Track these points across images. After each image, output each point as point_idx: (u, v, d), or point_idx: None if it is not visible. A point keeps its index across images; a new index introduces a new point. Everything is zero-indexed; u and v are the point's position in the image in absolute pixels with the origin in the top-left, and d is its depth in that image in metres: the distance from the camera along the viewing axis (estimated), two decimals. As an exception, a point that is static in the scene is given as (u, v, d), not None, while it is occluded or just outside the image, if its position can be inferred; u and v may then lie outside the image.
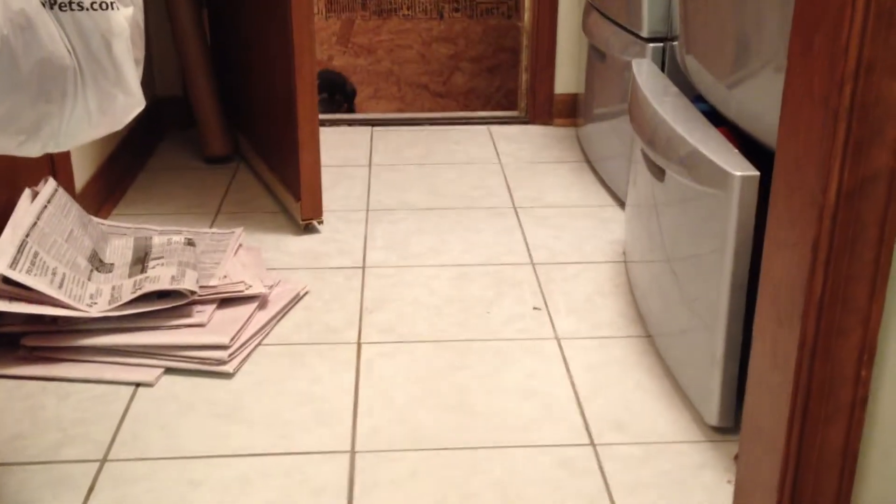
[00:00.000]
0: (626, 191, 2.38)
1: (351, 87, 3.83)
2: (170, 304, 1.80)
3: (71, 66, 1.21)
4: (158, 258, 1.97)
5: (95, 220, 2.20)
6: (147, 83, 3.09)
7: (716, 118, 1.74)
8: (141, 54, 1.34)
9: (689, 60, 1.92)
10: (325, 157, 2.87)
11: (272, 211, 2.49)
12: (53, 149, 1.27)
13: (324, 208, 2.42)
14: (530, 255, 2.22)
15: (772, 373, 1.18)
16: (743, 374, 1.46)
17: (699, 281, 1.58)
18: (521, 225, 2.40)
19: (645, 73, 2.01)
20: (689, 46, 1.92)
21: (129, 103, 1.31)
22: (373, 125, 3.21)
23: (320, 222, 2.37)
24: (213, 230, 2.23)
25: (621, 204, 2.50)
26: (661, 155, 1.72)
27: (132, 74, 1.29)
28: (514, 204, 2.54)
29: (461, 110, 4.47)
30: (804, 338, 1.10)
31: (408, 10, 4.48)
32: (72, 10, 1.21)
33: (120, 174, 2.61)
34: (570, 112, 3.15)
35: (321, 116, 3.28)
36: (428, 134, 3.13)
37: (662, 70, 2.26)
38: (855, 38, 0.99)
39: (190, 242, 2.06)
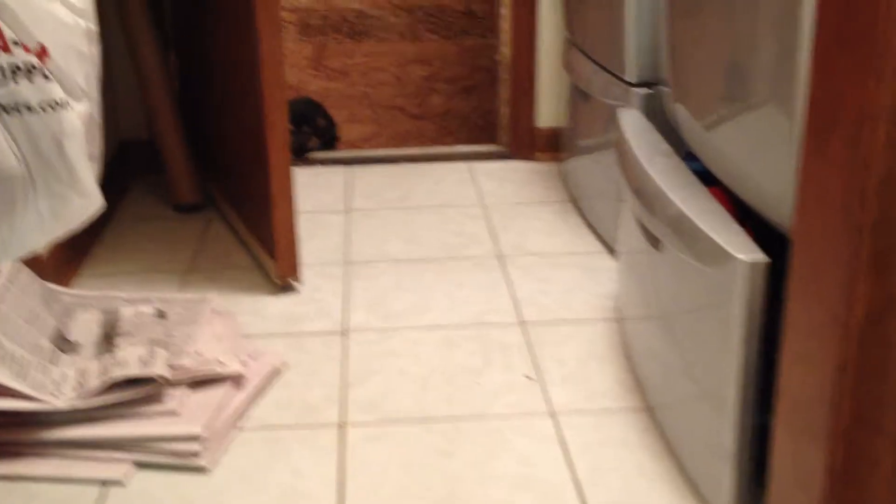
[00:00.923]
0: (614, 235, 2.30)
1: (325, 122, 3.60)
2: (139, 393, 1.69)
3: (20, 174, 1.11)
4: (127, 334, 1.86)
5: (60, 289, 2.08)
6: (112, 126, 3.00)
7: (709, 176, 1.65)
8: (97, 149, 1.24)
9: (679, 111, 1.83)
10: (301, 201, 2.77)
11: (247, 267, 2.39)
12: (2, 259, 1.17)
13: (301, 262, 2.32)
14: (518, 314, 2.13)
15: (794, 491, 1.09)
16: (757, 462, 1.38)
17: (702, 351, 1.50)
18: (506, 277, 2.31)
19: (632, 126, 1.92)
20: (679, 95, 1.83)
21: (85, 204, 1.21)
22: (348, 164, 3.11)
23: (297, 280, 2.26)
24: (185, 296, 2.12)
25: (609, 249, 2.42)
26: (655, 224, 1.63)
27: (87, 174, 1.19)
28: (497, 252, 2.44)
29: (438, 132, 4.38)
30: (831, 464, 1.01)
31: (382, 32, 4.38)
32: (20, 113, 1.10)
33: (85, 231, 2.48)
34: (552, 146, 3.06)
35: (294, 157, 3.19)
36: (406, 172, 3.03)
37: (651, 117, 2.17)
38: (878, 148, 0.91)
39: (160, 314, 1.95)
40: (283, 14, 4.21)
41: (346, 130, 4.29)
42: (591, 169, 2.56)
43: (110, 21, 2.84)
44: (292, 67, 4.35)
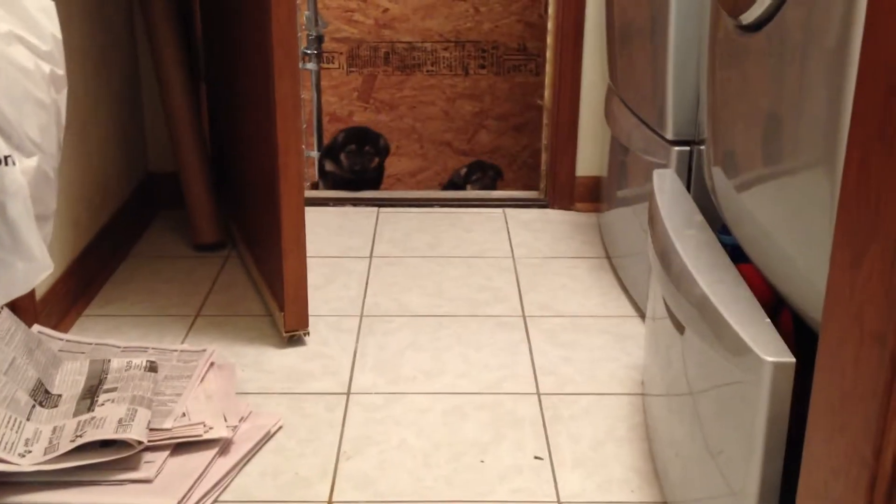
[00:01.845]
0: (647, 300, 2.14)
1: (385, 143, 3.64)
2: (113, 456, 1.58)
3: (-51, 237, 1.00)
4: (111, 390, 1.75)
5: (53, 334, 1.99)
6: (139, 159, 2.94)
7: (742, 251, 1.49)
8: (49, 208, 1.12)
9: (717, 176, 1.67)
10: (325, 244, 2.66)
11: (258, 314, 2.27)
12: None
13: (314, 312, 2.20)
14: (536, 383, 1.97)
15: None
16: None
17: (725, 448, 1.33)
18: (528, 340, 2.15)
19: (667, 191, 1.77)
20: (717, 158, 1.67)
21: (31, 269, 1.09)
22: (380, 205, 2.99)
23: (306, 333, 2.14)
24: (183, 347, 2.01)
25: (642, 315, 2.25)
26: (680, 305, 1.47)
27: (33, 237, 1.07)
28: (523, 312, 2.29)
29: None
30: None
31: (432, 65, 4.29)
32: (-48, 169, 0.99)
33: (96, 268, 2.40)
34: (592, 196, 2.90)
35: (325, 195, 3.08)
36: (438, 218, 2.90)
37: (689, 178, 2.01)
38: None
39: (152, 367, 1.84)
40: (333, 45, 4.14)
41: (392, 164, 4.19)
42: (628, 225, 2.40)
43: (139, 52, 2.77)
44: (341, 99, 4.28)
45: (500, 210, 2.95)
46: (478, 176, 3.79)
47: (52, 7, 1.22)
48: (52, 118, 1.14)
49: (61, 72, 1.18)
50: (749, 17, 1.34)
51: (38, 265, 1.10)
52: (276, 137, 1.96)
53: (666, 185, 1.80)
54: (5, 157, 1.02)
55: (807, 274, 1.24)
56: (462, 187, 3.78)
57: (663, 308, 1.61)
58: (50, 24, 1.16)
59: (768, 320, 1.26)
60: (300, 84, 1.98)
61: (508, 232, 2.78)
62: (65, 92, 1.21)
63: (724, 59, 1.58)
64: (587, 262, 2.57)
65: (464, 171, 3.87)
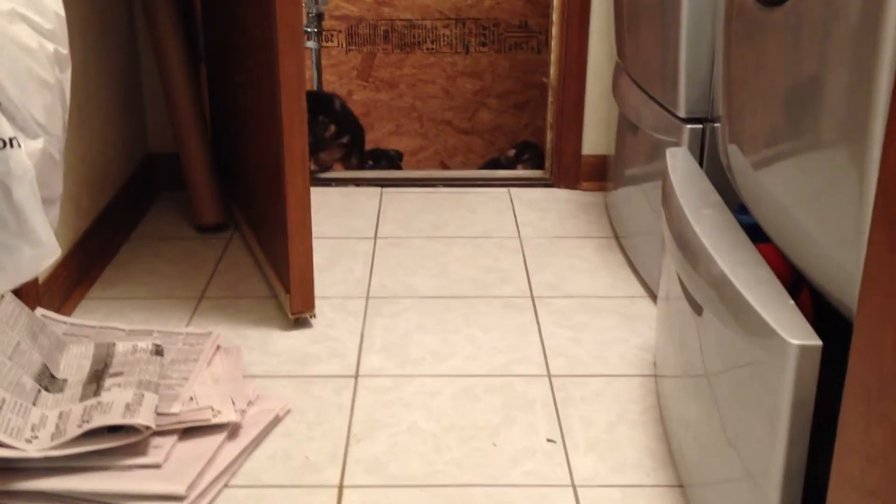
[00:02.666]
0: (657, 279, 2.11)
1: (341, 105, 3.25)
2: (121, 441, 1.55)
3: (-46, 221, 0.97)
4: (118, 374, 1.72)
5: (56, 318, 1.96)
6: (140, 139, 2.90)
7: (761, 231, 1.46)
8: (56, 191, 1.09)
9: (732, 153, 1.64)
10: (328, 225, 2.63)
11: (262, 296, 2.24)
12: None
13: (319, 294, 2.17)
14: (546, 365, 1.95)
15: None
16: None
17: (745, 430, 1.31)
18: (537, 321, 2.13)
19: (680, 169, 1.74)
20: (733, 134, 1.64)
21: (38, 254, 1.06)
22: (383, 185, 2.96)
23: (312, 315, 2.11)
24: (189, 330, 1.98)
25: (652, 295, 2.23)
26: (698, 286, 1.44)
27: (40, 220, 1.04)
28: (531, 293, 2.26)
29: (486, 148, 4.22)
30: None
31: (431, 43, 4.24)
32: (-44, 152, 0.96)
33: (98, 250, 2.37)
34: (598, 175, 2.87)
35: (328, 175, 3.04)
36: (443, 198, 2.87)
37: (702, 157, 1.98)
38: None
39: (158, 350, 1.81)
40: (332, 22, 4.09)
41: (392, 143, 4.15)
42: (636, 204, 2.37)
43: (138, 31, 2.73)
44: (340, 78, 4.23)
45: (504, 190, 2.92)
46: (528, 156, 3.44)
47: (54, -17, 1.19)
48: (56, 99, 1.11)
49: (65, 51, 1.14)
50: (770, -10, 1.31)
51: (45, 250, 1.07)
52: (280, 119, 1.92)
53: (679, 163, 1.77)
54: (10, 139, 0.99)
55: (830, 253, 1.21)
56: (513, 168, 3.47)
57: (678, 288, 1.58)
58: (53, 2, 1.12)
59: (792, 302, 1.24)
60: (304, 64, 1.94)
61: (514, 212, 2.75)
62: (69, 72, 1.17)
63: (740, 34, 1.54)
64: (594, 242, 2.54)
65: (512, 152, 3.58)
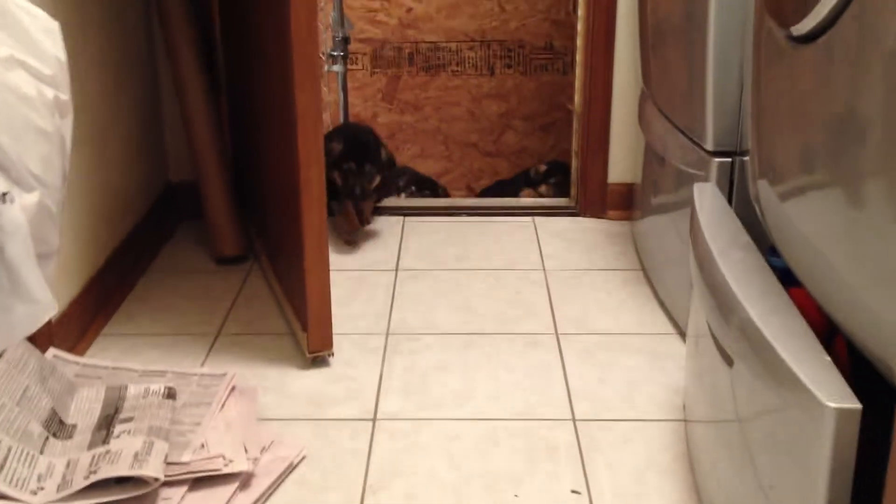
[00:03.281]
0: (686, 315, 2.04)
1: (387, 155, 2.83)
2: (128, 494, 1.50)
3: (-58, 282, 0.92)
4: (128, 420, 1.68)
5: (68, 358, 1.92)
6: (160, 169, 2.87)
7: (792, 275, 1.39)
8: (52, 245, 1.05)
9: (762, 190, 1.56)
10: (349, 256, 2.58)
11: (280, 333, 2.19)
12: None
13: (338, 331, 2.12)
14: (571, 408, 1.88)
15: None
16: None
17: (780, 488, 1.23)
18: (562, 360, 2.06)
19: (708, 207, 1.67)
20: (763, 170, 1.57)
21: (33, 312, 1.02)
22: (405, 214, 2.90)
23: (330, 354, 2.06)
24: (203, 371, 1.93)
25: (680, 332, 2.15)
26: (729, 338, 1.37)
27: (34, 277, 1.00)
28: (555, 328, 2.20)
29: (512, 171, 4.16)
30: None
31: (457, 65, 4.20)
32: (-56, 210, 0.92)
33: (115, 284, 2.34)
34: (624, 203, 2.80)
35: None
36: (466, 227, 2.81)
37: (731, 192, 1.91)
38: None
39: (170, 394, 1.77)
40: (356, 45, 4.06)
41: (418, 165, 4.11)
42: (663, 235, 2.30)
43: (158, 60, 2.70)
44: (365, 101, 4.21)
45: (529, 219, 2.86)
46: (558, 179, 3.16)
47: (56, 29, 1.15)
48: (55, 148, 1.06)
49: (65, 96, 1.10)
50: (802, 28, 1.24)
51: (40, 307, 1.03)
52: (297, 153, 1.88)
53: (707, 201, 1.70)
54: (3, 195, 0.95)
55: (868, 302, 1.14)
56: (536, 185, 3.28)
57: (707, 334, 1.51)
58: (53, 47, 1.08)
59: (828, 358, 1.17)
60: (322, 96, 1.89)
61: (539, 242, 2.69)
62: (70, 117, 1.13)
63: (771, 69, 1.48)
64: (621, 275, 2.47)
65: (543, 167, 3.32)
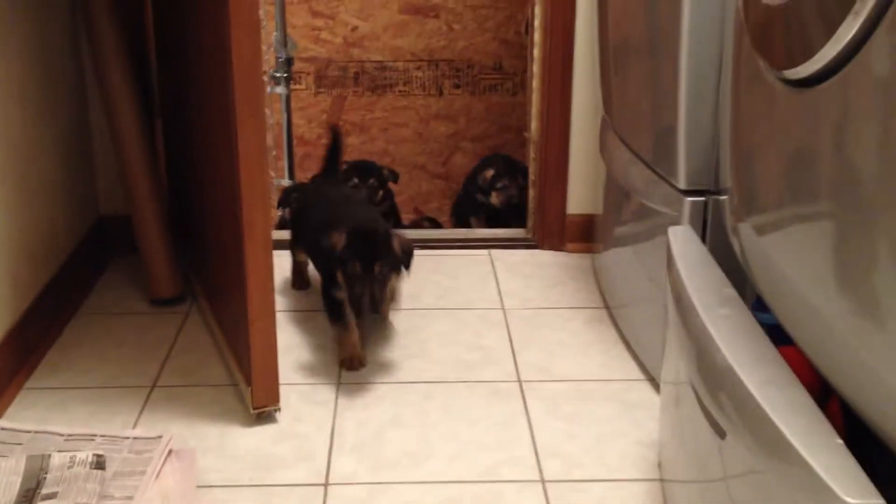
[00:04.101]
0: (654, 359, 1.92)
1: (389, 171, 3.21)
2: (50, 588, 1.33)
3: None
4: (51, 496, 1.50)
5: (-15, 423, 1.73)
6: (90, 202, 2.66)
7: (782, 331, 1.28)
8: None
9: (744, 234, 1.45)
10: (294, 296, 2.43)
11: (221, 383, 2.03)
12: None
13: (285, 380, 1.97)
14: (539, 468, 1.75)
15: None
16: None
17: None
18: (527, 411, 1.93)
19: (685, 254, 1.55)
20: (745, 211, 1.46)
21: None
22: (354, 247, 2.75)
23: (277, 409, 1.90)
24: (136, 433, 1.76)
25: (649, 377, 2.04)
26: (719, 409, 1.25)
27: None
28: (518, 376, 2.07)
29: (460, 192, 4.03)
30: None
31: (404, 85, 4.08)
32: None
33: (40, 331, 2.15)
34: (584, 236, 2.69)
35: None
36: (419, 261, 2.62)
37: (704, 232, 1.80)
38: None
39: (99, 463, 1.59)
40: (299, 65, 3.91)
41: (363, 189, 3.97)
42: (628, 271, 2.19)
43: (87, 83, 2.52)
44: (309, 122, 4.06)
45: (485, 251, 2.72)
46: (504, 183, 3.06)
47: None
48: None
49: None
50: (801, 72, 1.13)
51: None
52: (239, 192, 1.72)
53: (683, 247, 1.58)
54: None
55: (868, 363, 1.03)
56: (487, 194, 3.08)
57: (690, 393, 1.39)
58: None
59: (840, 441, 1.05)
60: (265, 127, 1.74)
61: (496, 278, 2.56)
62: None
63: (758, 109, 1.36)
64: (584, 314, 2.35)
65: (490, 173, 3.12)
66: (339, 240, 1.98)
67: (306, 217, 2.35)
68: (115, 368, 2.09)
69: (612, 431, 1.86)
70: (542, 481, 1.71)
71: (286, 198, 2.82)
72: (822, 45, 1.05)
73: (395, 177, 3.15)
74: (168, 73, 2.44)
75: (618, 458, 1.77)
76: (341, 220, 2.05)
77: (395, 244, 2.02)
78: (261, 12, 3.64)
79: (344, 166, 2.99)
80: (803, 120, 1.19)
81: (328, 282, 2.09)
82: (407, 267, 2.05)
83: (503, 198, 3.01)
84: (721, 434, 1.25)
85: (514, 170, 3.07)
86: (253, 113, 1.68)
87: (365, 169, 3.09)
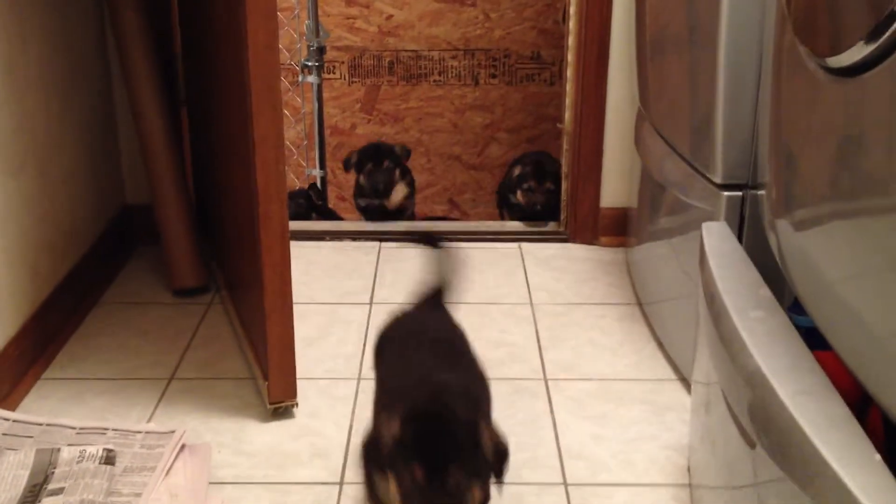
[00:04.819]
0: (687, 359, 1.84)
1: (402, 147, 3.07)
2: (50, 588, 1.29)
3: None
4: (57, 491, 1.47)
5: (-4, 414, 1.71)
6: (115, 191, 2.63)
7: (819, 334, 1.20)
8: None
9: (783, 231, 1.37)
10: (320, 286, 2.39)
11: (240, 377, 1.98)
12: None
13: (305, 374, 1.93)
14: (563, 470, 1.68)
15: None
16: None
17: None
18: (551, 411, 1.86)
19: (720, 252, 1.47)
20: (784, 208, 1.37)
21: None
22: (382, 239, 2.70)
23: (294, 405, 1.85)
24: (149, 428, 1.72)
25: (681, 377, 1.96)
26: (751, 419, 1.17)
27: None
28: (544, 374, 2.00)
29: (497, 184, 3.97)
30: None
31: (439, 75, 4.02)
32: None
33: (59, 321, 2.12)
34: (618, 229, 2.61)
35: (321, 227, 2.78)
36: (446, 254, 2.60)
37: (740, 229, 1.72)
38: None
39: (108, 458, 1.55)
40: (334, 54, 3.87)
41: (398, 179, 3.92)
42: (662, 267, 2.11)
43: (113, 71, 2.49)
44: (343, 111, 4.02)
45: (515, 245, 2.65)
46: (530, 185, 2.83)
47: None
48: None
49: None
50: (844, 60, 1.05)
51: None
52: (255, 184, 1.67)
53: (717, 244, 1.50)
54: None
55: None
56: (513, 192, 2.88)
57: (720, 398, 1.31)
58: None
59: (878, 457, 0.97)
60: (282, 121, 1.68)
61: (525, 272, 2.49)
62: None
63: (800, 100, 1.28)
64: (615, 310, 2.27)
65: (517, 171, 2.91)
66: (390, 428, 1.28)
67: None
68: (133, 360, 2.05)
69: (641, 434, 1.78)
70: (565, 484, 1.64)
71: None
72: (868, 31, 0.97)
73: (408, 153, 3.05)
74: (193, 61, 2.39)
75: (645, 462, 1.70)
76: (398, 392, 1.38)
77: (485, 439, 1.28)
78: (294, 0, 3.62)
79: (353, 157, 2.96)
80: (849, 110, 1.11)
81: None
82: (499, 474, 1.29)
83: (526, 200, 2.82)
84: (751, 444, 1.17)
85: (543, 172, 2.83)
86: (269, 103, 1.63)
87: (377, 152, 2.97)
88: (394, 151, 2.99)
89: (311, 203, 3.07)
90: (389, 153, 2.97)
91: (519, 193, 2.83)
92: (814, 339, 1.25)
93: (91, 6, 2.37)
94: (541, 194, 2.79)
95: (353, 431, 1.79)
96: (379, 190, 2.86)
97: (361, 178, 2.93)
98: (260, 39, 1.57)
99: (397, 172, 2.92)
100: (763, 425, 1.13)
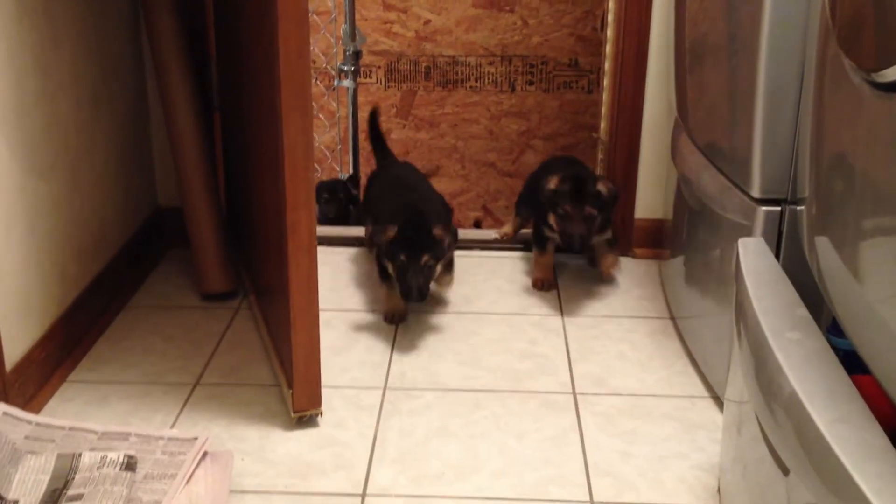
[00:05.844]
0: (720, 376, 1.80)
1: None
2: None
3: None
4: (76, 497, 1.45)
5: (18, 416, 1.70)
6: (147, 194, 2.63)
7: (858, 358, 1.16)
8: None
9: (822, 249, 1.32)
10: (348, 294, 2.37)
11: (265, 384, 1.97)
12: None
13: (330, 382, 1.92)
14: (589, 488, 1.64)
15: None
16: None
17: None
18: (579, 426, 1.82)
19: (755, 269, 1.43)
20: (824, 224, 1.33)
21: None
22: (412, 246, 2.66)
23: (318, 413, 1.83)
24: (171, 433, 1.70)
25: (714, 395, 1.91)
26: (783, 444, 1.13)
27: None
28: (573, 387, 1.96)
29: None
30: None
31: (475, 81, 3.99)
32: None
33: (87, 323, 2.12)
34: (652, 241, 2.56)
35: (352, 233, 2.75)
36: (476, 263, 2.57)
37: (778, 245, 1.67)
38: None
39: (129, 464, 1.54)
40: (370, 58, 3.86)
41: (433, 185, 3.89)
42: (697, 282, 2.06)
43: (147, 74, 2.49)
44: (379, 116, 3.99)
45: (547, 255, 2.61)
46: (565, 210, 2.25)
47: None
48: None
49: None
50: (890, 75, 1.00)
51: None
52: (284, 192, 1.65)
53: (753, 260, 1.46)
54: None
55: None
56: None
57: (754, 421, 1.27)
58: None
59: (918, 490, 0.92)
60: (312, 128, 1.66)
61: (556, 283, 2.45)
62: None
63: (843, 114, 1.24)
64: (647, 324, 2.23)
65: (552, 184, 2.29)
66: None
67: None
68: (159, 364, 2.04)
69: (671, 452, 1.74)
70: (591, 503, 1.60)
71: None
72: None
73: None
74: (227, 67, 2.39)
75: (674, 482, 1.66)
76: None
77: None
78: (330, 3, 3.61)
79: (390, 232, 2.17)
80: (894, 126, 1.06)
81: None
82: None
83: (560, 227, 2.26)
84: (785, 471, 1.13)
85: (583, 193, 2.23)
86: (299, 109, 1.61)
87: (418, 225, 2.15)
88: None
89: (349, 195, 3.06)
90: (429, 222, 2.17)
91: (552, 217, 2.28)
92: (852, 363, 1.21)
93: (127, 9, 2.37)
94: (583, 226, 2.22)
95: (376, 442, 1.77)
96: (413, 297, 2.09)
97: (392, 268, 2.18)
98: (291, 47, 1.55)
99: (438, 268, 2.16)
100: (797, 452, 1.09)
